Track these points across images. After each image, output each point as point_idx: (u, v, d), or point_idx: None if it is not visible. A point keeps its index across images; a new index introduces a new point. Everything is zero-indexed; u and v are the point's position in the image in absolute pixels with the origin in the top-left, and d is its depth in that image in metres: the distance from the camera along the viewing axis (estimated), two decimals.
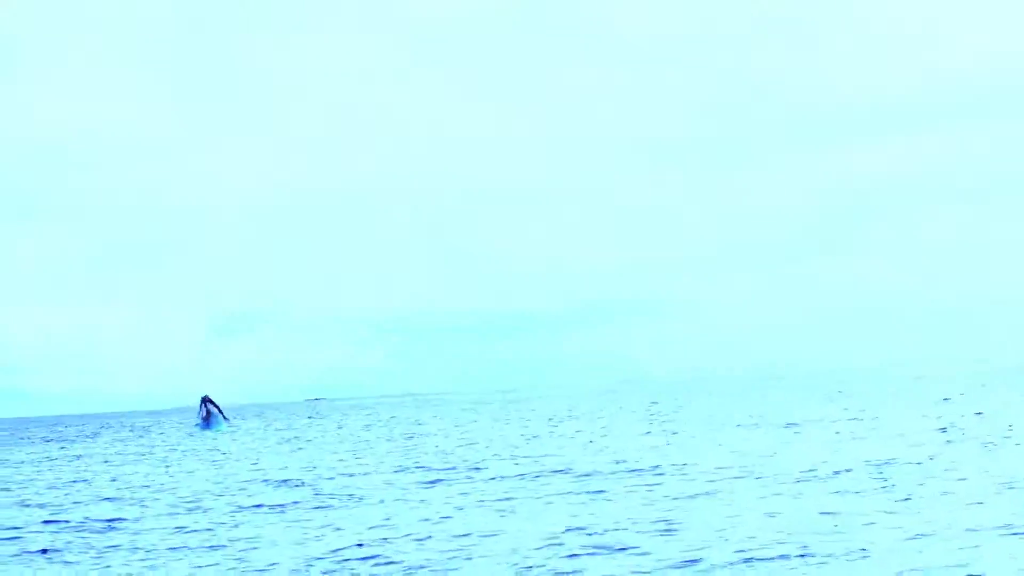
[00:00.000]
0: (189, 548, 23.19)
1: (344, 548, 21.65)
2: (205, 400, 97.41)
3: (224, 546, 23.11)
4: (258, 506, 29.60)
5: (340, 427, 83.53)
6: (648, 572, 17.83)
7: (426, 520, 25.18)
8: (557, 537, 21.37)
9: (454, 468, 37.11)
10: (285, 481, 36.13)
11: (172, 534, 25.31)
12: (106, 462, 53.44)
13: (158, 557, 22.33)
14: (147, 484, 38.38)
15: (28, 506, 33.21)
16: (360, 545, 21.86)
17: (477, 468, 36.62)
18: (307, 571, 19.68)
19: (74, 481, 42.39)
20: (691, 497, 26.29)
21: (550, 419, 75.13)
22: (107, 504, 32.27)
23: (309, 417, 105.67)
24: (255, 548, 22.70)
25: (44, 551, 23.73)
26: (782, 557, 18.42)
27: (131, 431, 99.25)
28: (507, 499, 27.78)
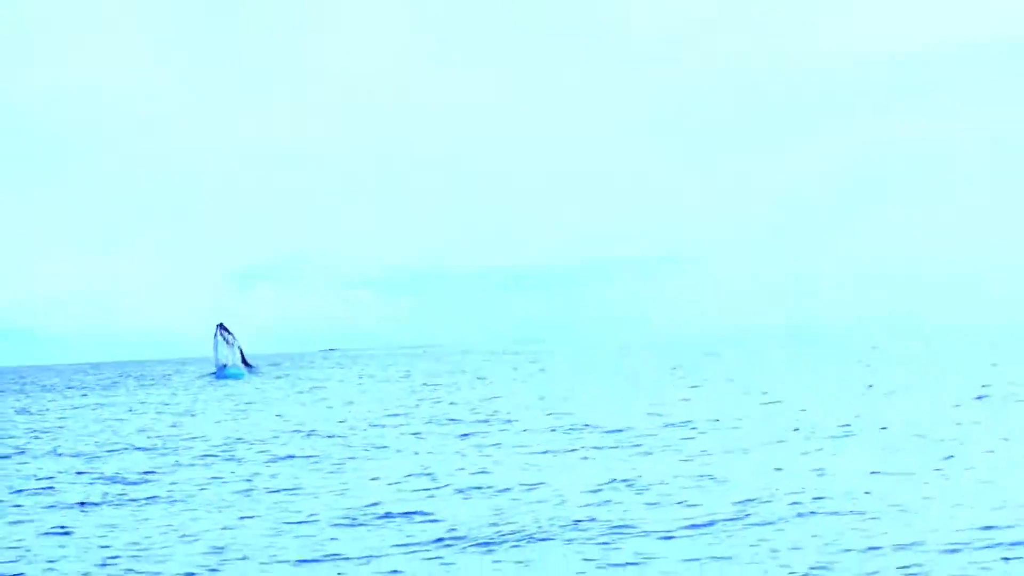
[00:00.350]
0: (227, 499, 23.04)
1: (383, 501, 21.42)
2: (221, 328, 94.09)
3: (263, 497, 22.96)
4: (291, 456, 29.46)
5: (361, 378, 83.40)
6: (701, 525, 17.57)
7: (462, 470, 24.97)
8: (602, 490, 21.13)
9: (486, 421, 36.84)
10: (314, 431, 36.00)
11: (209, 484, 25.16)
12: (131, 411, 53.39)
13: (197, 507, 22.19)
14: (176, 434, 38.25)
15: (60, 455, 33.08)
16: (400, 499, 21.65)
17: (509, 421, 36.41)
18: (351, 524, 19.46)
19: (102, 430, 42.33)
20: (730, 452, 26.03)
21: (575, 372, 74.79)
22: (139, 454, 32.14)
23: (330, 368, 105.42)
24: (294, 498, 22.54)
25: (81, 504, 23.64)
26: (833, 513, 18.17)
27: (152, 380, 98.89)
28: (545, 452, 27.54)
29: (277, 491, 23.53)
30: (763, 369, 66.36)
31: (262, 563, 16.91)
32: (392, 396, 55.36)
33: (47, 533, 20.21)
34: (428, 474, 24.74)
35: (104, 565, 17.30)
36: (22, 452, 34.58)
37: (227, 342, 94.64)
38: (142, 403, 60.72)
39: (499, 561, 16.21)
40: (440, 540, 17.60)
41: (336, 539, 18.26)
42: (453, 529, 18.39)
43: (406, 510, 20.38)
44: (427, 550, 17.04)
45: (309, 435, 34.91)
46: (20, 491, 25.54)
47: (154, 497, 23.74)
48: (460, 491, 22.12)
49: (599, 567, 15.48)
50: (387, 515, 20.07)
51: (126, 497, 24.08)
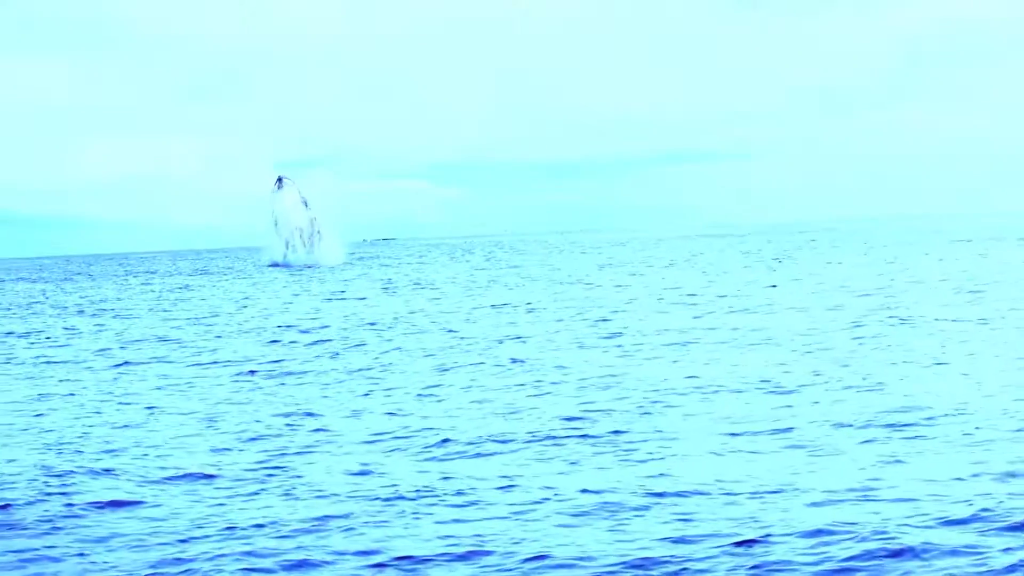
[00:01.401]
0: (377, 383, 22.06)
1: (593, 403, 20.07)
2: (281, 180, 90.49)
3: (422, 391, 21.85)
4: (397, 349, 28.45)
5: (422, 263, 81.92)
6: None
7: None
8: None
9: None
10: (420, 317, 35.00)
11: (350, 375, 24.14)
12: (231, 300, 52.62)
13: (350, 389, 21.32)
14: (283, 323, 37.28)
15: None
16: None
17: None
18: (541, 431, 18.23)
19: (211, 314, 41.80)
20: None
21: (671, 263, 72.26)
22: (271, 347, 30.96)
23: (398, 260, 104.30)
24: (468, 392, 21.47)
25: (252, 372, 24.56)
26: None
27: (225, 273, 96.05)
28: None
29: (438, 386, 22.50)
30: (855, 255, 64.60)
31: None
32: (505, 289, 53.97)
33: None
34: (615, 379, 23.60)
35: None
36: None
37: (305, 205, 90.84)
38: (227, 292, 59.85)
39: None
40: None
41: None
42: None
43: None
44: None
45: (425, 322, 33.87)
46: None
47: (302, 378, 22.78)
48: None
49: None
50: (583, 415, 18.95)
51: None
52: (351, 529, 12.62)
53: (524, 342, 28.28)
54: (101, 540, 12.70)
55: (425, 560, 11.43)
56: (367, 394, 21.35)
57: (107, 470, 16.06)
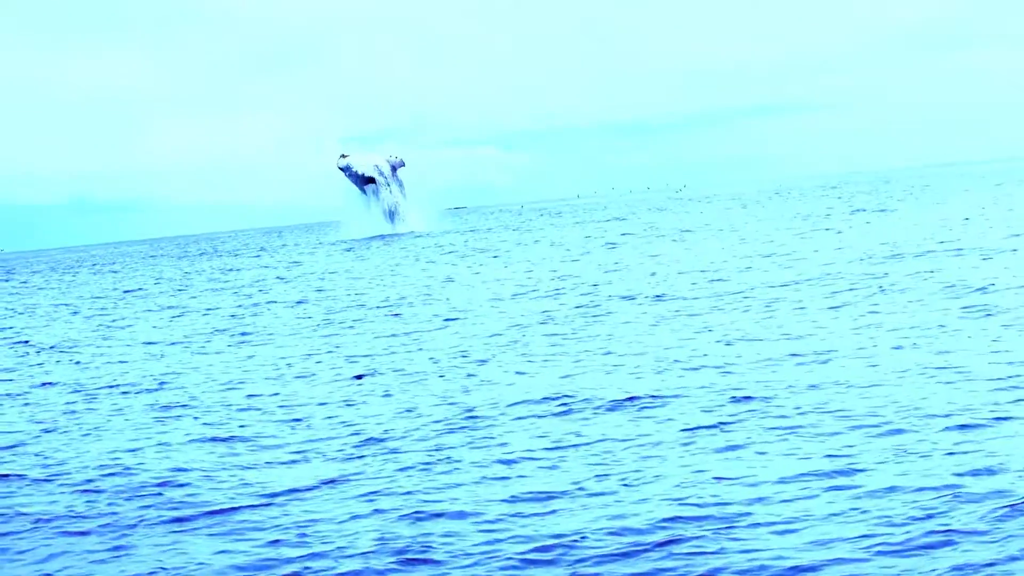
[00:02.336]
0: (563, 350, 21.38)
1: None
2: (347, 157, 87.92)
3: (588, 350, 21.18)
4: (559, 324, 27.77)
5: (536, 240, 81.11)
6: None
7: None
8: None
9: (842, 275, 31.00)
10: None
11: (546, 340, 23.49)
12: (351, 277, 52.27)
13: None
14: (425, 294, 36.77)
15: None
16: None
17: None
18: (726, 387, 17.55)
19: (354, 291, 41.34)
20: None
21: (801, 217, 69.99)
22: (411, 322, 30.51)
23: (489, 229, 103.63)
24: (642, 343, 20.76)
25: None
26: None
27: (329, 249, 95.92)
28: None
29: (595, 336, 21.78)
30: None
31: None
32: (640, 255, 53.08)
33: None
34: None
35: None
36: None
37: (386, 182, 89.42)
38: (348, 271, 59.56)
39: None
40: None
41: None
42: None
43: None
44: None
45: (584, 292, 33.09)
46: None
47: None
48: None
49: None
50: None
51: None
52: None
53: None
54: None
55: None
56: None
57: None
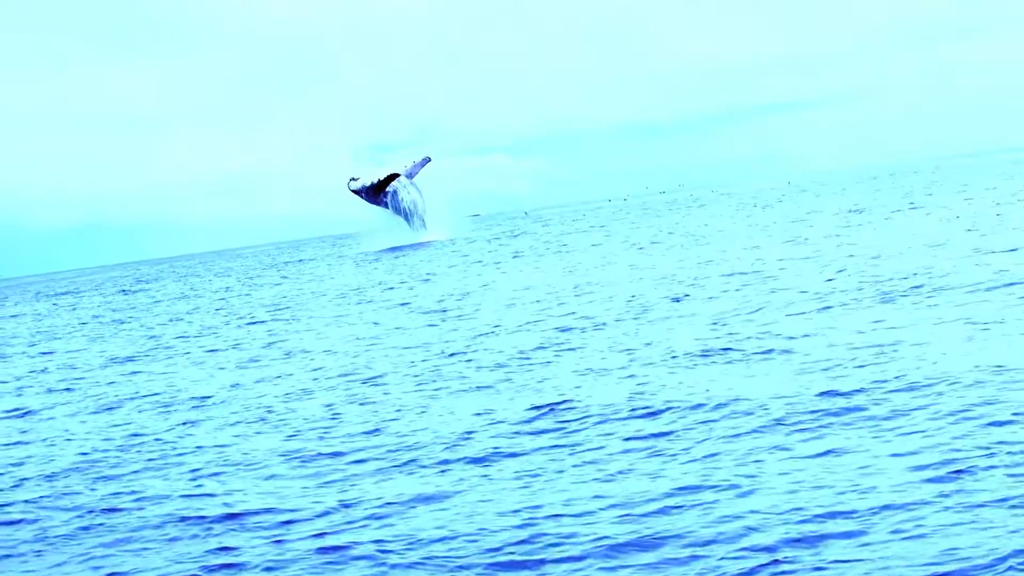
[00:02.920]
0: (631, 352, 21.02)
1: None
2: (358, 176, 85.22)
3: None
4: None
5: (562, 246, 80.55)
6: None
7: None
8: None
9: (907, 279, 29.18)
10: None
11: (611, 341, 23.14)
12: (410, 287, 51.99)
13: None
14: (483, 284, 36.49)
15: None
16: None
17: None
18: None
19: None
20: None
21: (847, 209, 68.75)
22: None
23: (514, 236, 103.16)
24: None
25: None
26: None
27: (362, 257, 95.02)
28: None
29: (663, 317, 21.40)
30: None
31: None
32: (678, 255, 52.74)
33: None
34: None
35: None
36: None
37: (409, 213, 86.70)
38: (400, 275, 59.25)
39: None
40: None
41: None
42: None
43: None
44: None
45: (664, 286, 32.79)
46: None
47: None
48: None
49: None
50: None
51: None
52: None
53: None
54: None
55: None
56: None
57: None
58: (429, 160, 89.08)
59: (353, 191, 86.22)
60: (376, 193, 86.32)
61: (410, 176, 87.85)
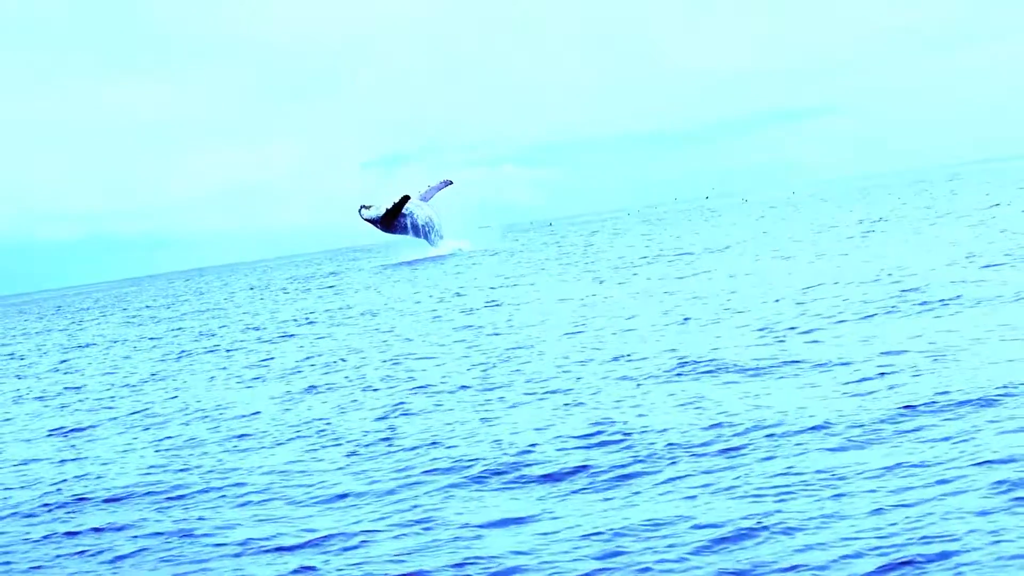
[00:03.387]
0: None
1: None
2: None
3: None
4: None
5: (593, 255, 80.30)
6: None
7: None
8: None
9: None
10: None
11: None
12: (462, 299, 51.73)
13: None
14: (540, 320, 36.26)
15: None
16: None
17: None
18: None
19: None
20: None
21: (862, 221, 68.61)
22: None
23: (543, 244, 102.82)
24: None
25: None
26: None
27: (392, 273, 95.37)
28: None
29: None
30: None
31: None
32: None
33: None
34: None
35: None
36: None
37: (422, 227, 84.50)
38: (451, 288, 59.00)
39: None
40: None
41: None
42: None
43: None
44: None
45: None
46: None
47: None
48: None
49: None
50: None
51: None
52: None
53: None
54: None
55: None
56: None
57: None
58: (450, 183, 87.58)
59: (366, 220, 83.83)
60: (391, 220, 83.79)
61: (425, 199, 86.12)
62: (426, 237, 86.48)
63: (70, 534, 14.93)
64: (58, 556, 13.99)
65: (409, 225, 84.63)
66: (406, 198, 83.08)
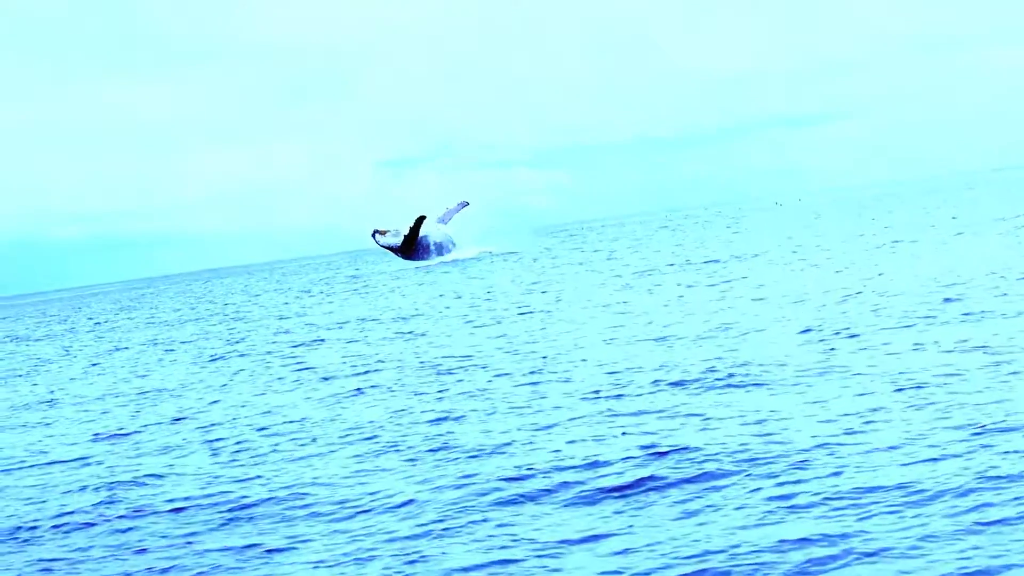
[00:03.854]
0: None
1: None
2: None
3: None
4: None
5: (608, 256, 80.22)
6: None
7: None
8: None
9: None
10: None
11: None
12: (489, 299, 51.67)
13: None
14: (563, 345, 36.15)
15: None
16: None
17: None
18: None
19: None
20: None
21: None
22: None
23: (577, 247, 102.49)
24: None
25: None
26: None
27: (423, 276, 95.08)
28: None
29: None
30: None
31: None
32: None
33: None
34: None
35: None
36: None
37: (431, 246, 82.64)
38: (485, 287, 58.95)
39: None
40: None
41: None
42: None
43: None
44: None
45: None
46: None
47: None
48: None
49: None
50: None
51: None
52: None
53: None
54: None
55: None
56: None
57: None
58: (467, 204, 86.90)
59: (383, 246, 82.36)
60: (409, 247, 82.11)
61: (444, 221, 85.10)
62: (439, 250, 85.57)
63: (139, 551, 14.58)
64: (126, 574, 13.77)
65: (433, 249, 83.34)
66: (422, 219, 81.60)
